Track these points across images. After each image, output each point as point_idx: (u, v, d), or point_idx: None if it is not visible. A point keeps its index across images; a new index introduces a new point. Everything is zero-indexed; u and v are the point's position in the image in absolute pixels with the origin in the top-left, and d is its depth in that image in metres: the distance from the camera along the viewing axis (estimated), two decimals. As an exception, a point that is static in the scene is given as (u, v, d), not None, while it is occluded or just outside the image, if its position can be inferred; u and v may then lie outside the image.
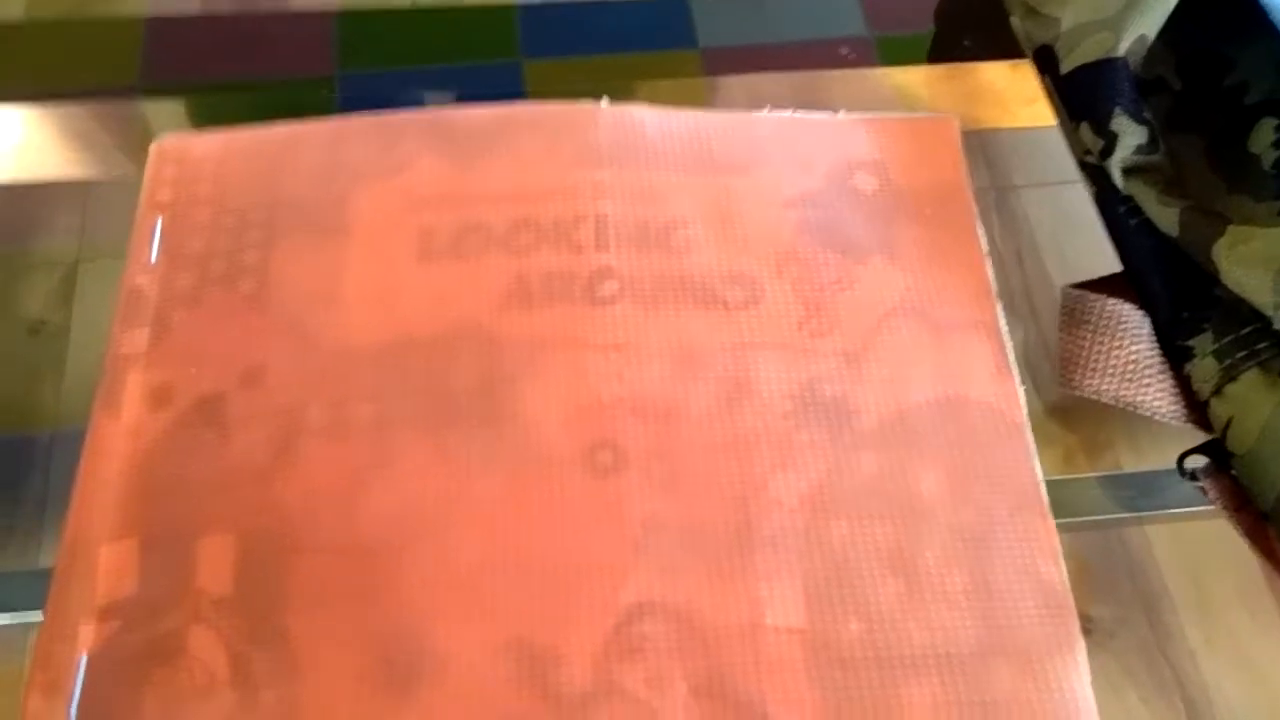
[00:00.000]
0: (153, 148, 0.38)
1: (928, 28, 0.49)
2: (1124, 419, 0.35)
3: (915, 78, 0.45)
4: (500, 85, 0.44)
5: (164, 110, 0.43)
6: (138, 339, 0.34)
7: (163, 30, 0.46)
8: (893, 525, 0.31)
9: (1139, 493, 0.36)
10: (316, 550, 0.30)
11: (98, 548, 0.31)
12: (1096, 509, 0.37)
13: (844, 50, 0.47)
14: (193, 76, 0.44)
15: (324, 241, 0.35)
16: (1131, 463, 0.36)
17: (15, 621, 0.34)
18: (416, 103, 0.40)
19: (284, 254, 0.35)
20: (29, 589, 0.34)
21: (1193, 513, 0.36)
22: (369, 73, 0.44)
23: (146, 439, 0.32)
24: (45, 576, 0.34)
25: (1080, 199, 0.42)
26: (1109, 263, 0.39)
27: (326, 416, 0.32)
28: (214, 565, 0.30)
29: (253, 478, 0.31)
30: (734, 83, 0.44)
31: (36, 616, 0.33)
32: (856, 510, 0.32)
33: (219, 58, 0.45)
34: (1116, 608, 0.36)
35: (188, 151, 0.38)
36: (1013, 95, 0.44)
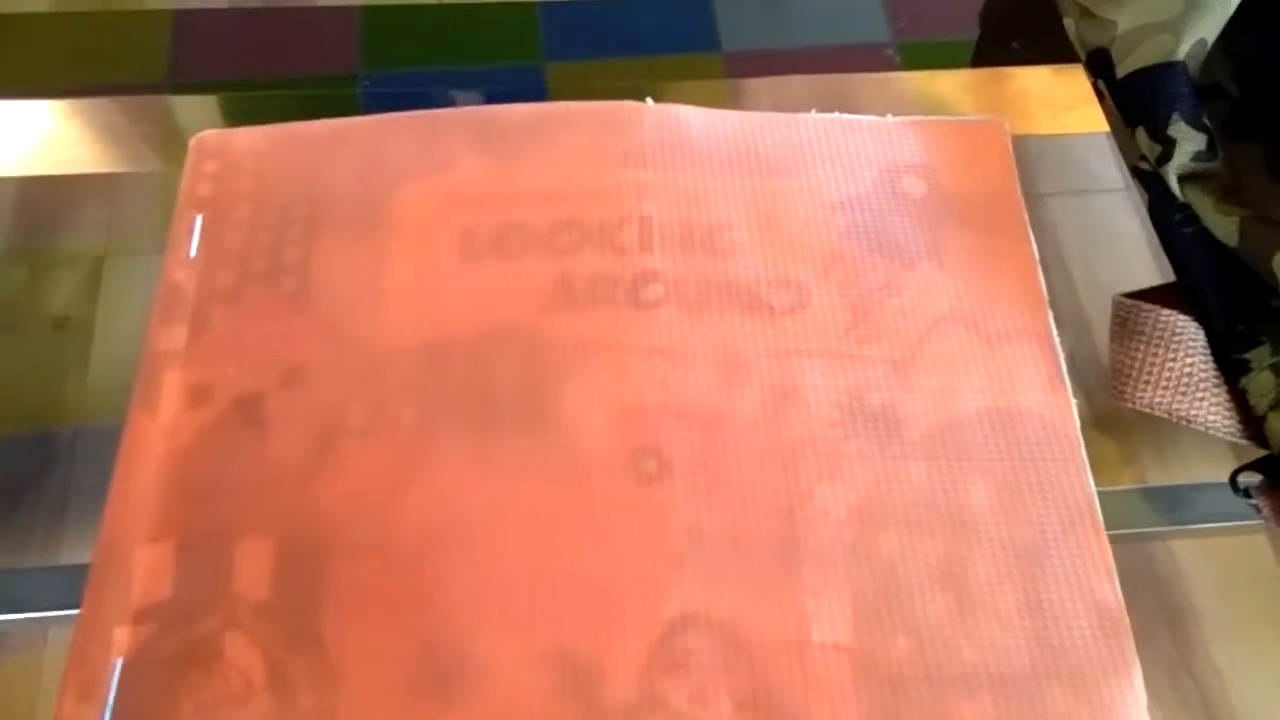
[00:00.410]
0: (192, 143, 0.38)
1: (954, 34, 0.49)
2: (1151, 432, 0.34)
3: (947, 83, 0.44)
4: (523, 86, 0.43)
5: (191, 105, 0.43)
6: (176, 336, 0.34)
7: (190, 24, 0.46)
8: (942, 539, 0.31)
9: (1166, 507, 0.36)
10: (355, 554, 0.30)
11: (134, 548, 0.30)
12: (1122, 522, 0.37)
13: (888, 51, 0.46)
14: (219, 71, 0.44)
15: (365, 239, 0.35)
16: (1158, 477, 0.35)
17: (37, 617, 0.33)
18: (441, 102, 0.39)
19: (325, 251, 0.35)
20: (51, 586, 0.34)
21: (1220, 528, 0.36)
22: (391, 71, 0.43)
23: (184, 438, 0.32)
24: (67, 573, 0.34)
25: (1106, 208, 0.41)
26: (1135, 272, 0.39)
27: (367, 417, 0.32)
28: (252, 569, 0.30)
29: (292, 479, 0.31)
30: (761, 85, 0.44)
31: (58, 613, 0.33)
32: (905, 523, 0.31)
33: (246, 52, 0.44)
34: (1141, 622, 0.35)
35: (228, 147, 0.37)
36: (1042, 102, 0.44)
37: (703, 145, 0.37)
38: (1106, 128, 0.42)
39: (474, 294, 0.34)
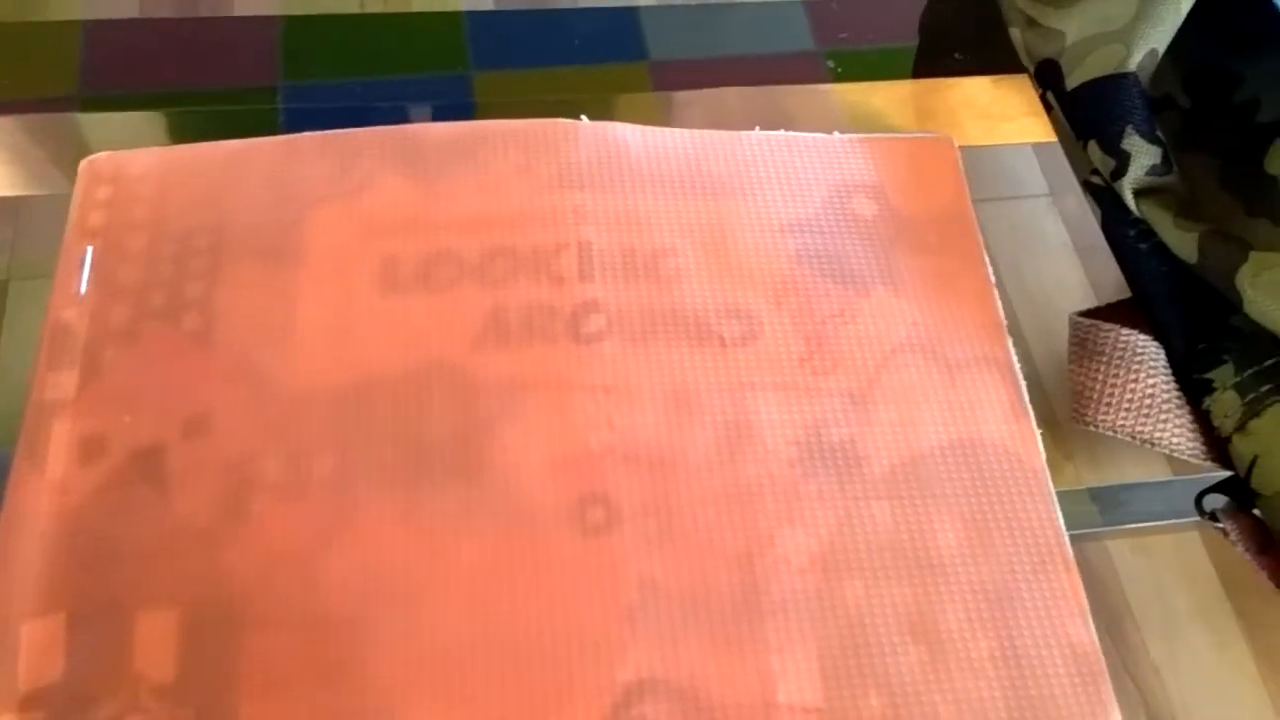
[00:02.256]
0: (82, 166, 0.34)
1: (887, 43, 0.48)
2: (1083, 433, 0.33)
3: (884, 95, 0.43)
4: (450, 97, 0.41)
5: (99, 123, 0.40)
6: (65, 382, 0.30)
7: (102, 35, 0.42)
8: (910, 585, 0.29)
9: (1102, 507, 0.35)
10: (272, 625, 0.27)
11: (19, 624, 0.27)
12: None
13: (818, 60, 0.45)
14: (133, 85, 0.41)
15: (276, 271, 0.32)
16: (1092, 478, 0.34)
17: None
18: (366, 116, 0.36)
19: (231, 285, 0.32)
20: None
21: (1152, 527, 0.35)
22: (315, 83, 0.41)
23: (75, 497, 0.29)
24: None
25: (1032, 214, 0.40)
26: (1062, 277, 0.38)
27: (281, 471, 0.29)
28: (154, 644, 0.27)
29: (198, 542, 0.28)
30: (694, 97, 0.42)
31: None
32: (871, 569, 0.29)
33: (161, 65, 0.41)
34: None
35: (122, 171, 0.34)
36: (981, 113, 0.43)
37: (642, 165, 0.35)
38: (1045, 139, 0.41)
39: (398, 330, 0.31)
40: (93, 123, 0.40)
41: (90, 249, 0.33)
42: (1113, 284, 0.38)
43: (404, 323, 0.31)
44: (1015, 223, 0.42)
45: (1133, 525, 0.35)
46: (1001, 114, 0.43)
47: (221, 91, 0.42)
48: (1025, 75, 0.41)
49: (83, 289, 0.32)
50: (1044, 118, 0.41)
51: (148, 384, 0.30)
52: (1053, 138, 0.40)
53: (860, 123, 0.40)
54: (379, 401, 0.30)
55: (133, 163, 0.34)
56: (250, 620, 0.27)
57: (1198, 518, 0.35)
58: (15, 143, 0.39)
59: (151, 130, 0.39)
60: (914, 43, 0.49)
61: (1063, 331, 0.35)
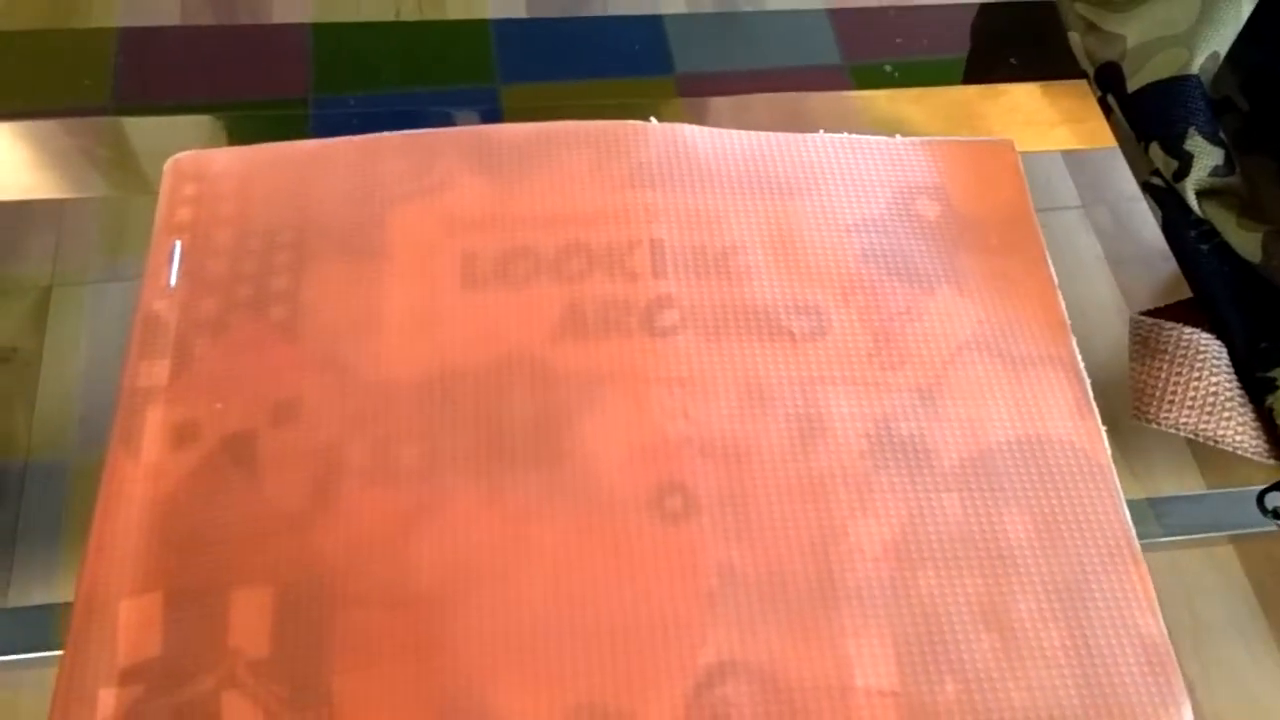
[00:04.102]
0: (168, 165, 0.35)
1: (904, 55, 0.48)
2: (1118, 446, 0.33)
3: (934, 101, 0.44)
4: (478, 109, 0.42)
5: (140, 127, 0.41)
6: (157, 370, 0.31)
7: (137, 42, 0.43)
8: (982, 575, 0.29)
9: (1137, 520, 0.35)
10: (362, 604, 0.28)
11: (118, 602, 0.28)
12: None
13: (843, 74, 0.46)
14: (165, 91, 0.42)
15: (360, 266, 0.33)
16: (1128, 491, 0.35)
17: None
18: (399, 125, 0.37)
19: (316, 279, 0.33)
20: None
21: (1186, 541, 0.35)
22: (342, 96, 0.42)
23: (169, 481, 0.30)
24: (15, 616, 0.31)
25: (1065, 227, 0.41)
26: (1098, 292, 0.38)
27: (369, 456, 0.30)
28: (249, 622, 0.27)
29: (289, 524, 0.29)
30: (723, 104, 0.43)
31: (5, 659, 0.31)
32: (943, 559, 0.29)
33: (194, 72, 0.42)
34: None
35: (206, 169, 0.35)
36: (1026, 119, 0.43)
37: (710, 165, 0.36)
38: (1084, 146, 0.42)
39: (478, 323, 0.32)
40: (132, 126, 0.41)
41: (179, 243, 0.34)
42: (1146, 296, 0.38)
43: (484, 316, 0.32)
44: (1049, 235, 0.42)
45: (1166, 539, 0.35)
46: (1048, 120, 0.44)
47: (250, 100, 0.43)
48: (1068, 82, 0.41)
49: (172, 281, 0.33)
50: (1084, 125, 0.41)
51: (237, 372, 0.31)
52: (1094, 144, 0.41)
53: (902, 129, 0.41)
54: (461, 391, 0.31)
55: (216, 161, 0.35)
56: (342, 599, 0.28)
57: (1230, 531, 0.35)
58: (57, 146, 0.40)
59: (190, 133, 0.40)
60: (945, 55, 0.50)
61: (1100, 343, 0.35)
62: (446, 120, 0.40)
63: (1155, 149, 0.36)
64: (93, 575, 0.28)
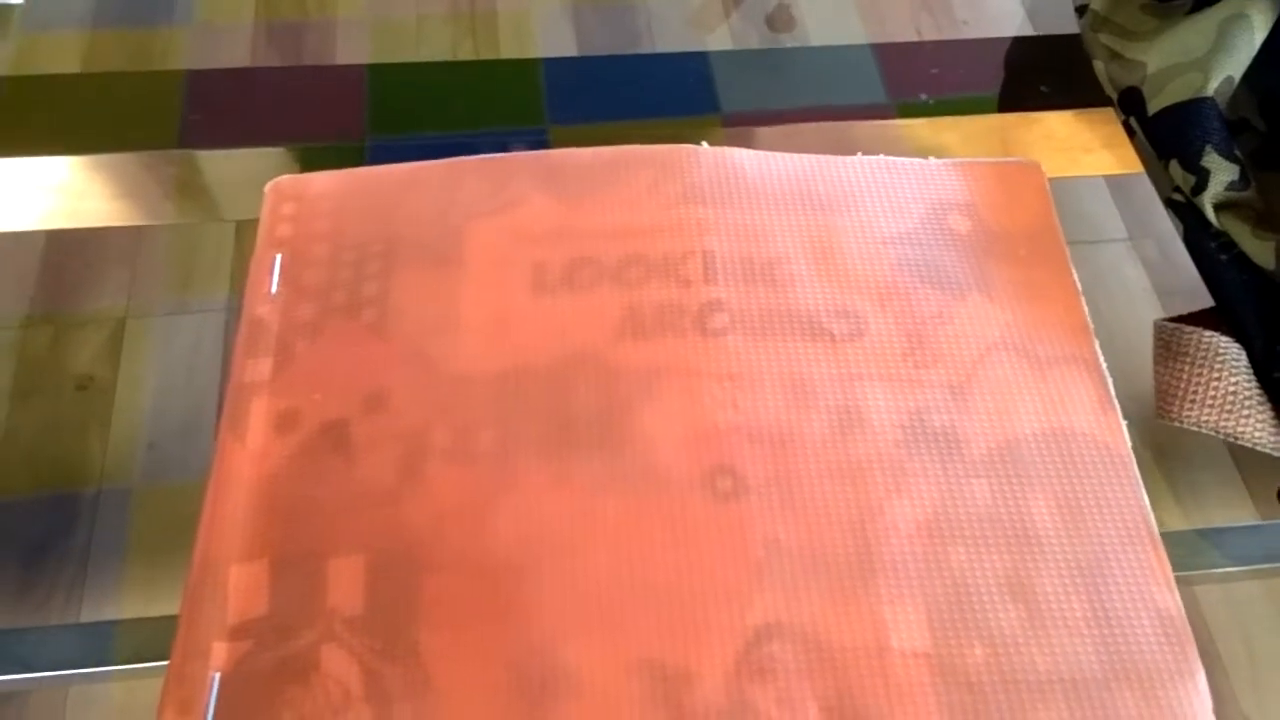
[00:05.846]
0: (269, 186, 0.39)
1: (947, 94, 0.51)
2: (1167, 478, 0.35)
3: (968, 129, 0.46)
4: (527, 143, 0.45)
5: (210, 160, 0.43)
6: (261, 367, 0.35)
7: (202, 84, 0.47)
8: (1009, 553, 0.32)
9: (1188, 552, 0.36)
10: (446, 569, 0.31)
11: (228, 568, 0.31)
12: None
13: (923, 96, 0.48)
14: (232, 130, 0.45)
15: (441, 274, 0.37)
16: (1178, 522, 0.36)
17: (58, 675, 0.34)
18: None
19: (403, 285, 0.36)
20: (71, 644, 0.35)
21: (1242, 572, 0.36)
22: (398, 138, 0.44)
23: (273, 463, 0.33)
24: (87, 631, 0.34)
25: (1111, 259, 0.43)
26: (1141, 322, 0.40)
27: (450, 440, 0.33)
28: (345, 585, 0.31)
29: (380, 500, 0.32)
30: (770, 134, 0.45)
31: (77, 671, 0.33)
32: (973, 537, 0.32)
33: (257, 112, 0.45)
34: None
35: (304, 190, 0.39)
36: (1061, 145, 0.45)
37: (757, 185, 0.39)
38: (1121, 171, 0.44)
39: (547, 324, 0.36)
40: (203, 160, 0.44)
41: (279, 256, 0.38)
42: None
43: (552, 318, 0.36)
44: (1095, 267, 0.44)
45: (1220, 570, 0.36)
46: (1083, 146, 0.46)
47: (307, 136, 0.45)
48: (1101, 109, 0.44)
49: (273, 289, 0.37)
50: (1120, 151, 0.44)
51: (333, 368, 0.35)
52: (1124, 169, 0.43)
53: (941, 156, 0.44)
54: (532, 384, 0.34)
55: (312, 183, 0.39)
56: (427, 565, 0.31)
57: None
58: (132, 178, 0.43)
59: (255, 165, 0.43)
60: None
61: (1145, 374, 0.37)
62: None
63: (1175, 166, 0.39)
64: (206, 544, 0.32)
